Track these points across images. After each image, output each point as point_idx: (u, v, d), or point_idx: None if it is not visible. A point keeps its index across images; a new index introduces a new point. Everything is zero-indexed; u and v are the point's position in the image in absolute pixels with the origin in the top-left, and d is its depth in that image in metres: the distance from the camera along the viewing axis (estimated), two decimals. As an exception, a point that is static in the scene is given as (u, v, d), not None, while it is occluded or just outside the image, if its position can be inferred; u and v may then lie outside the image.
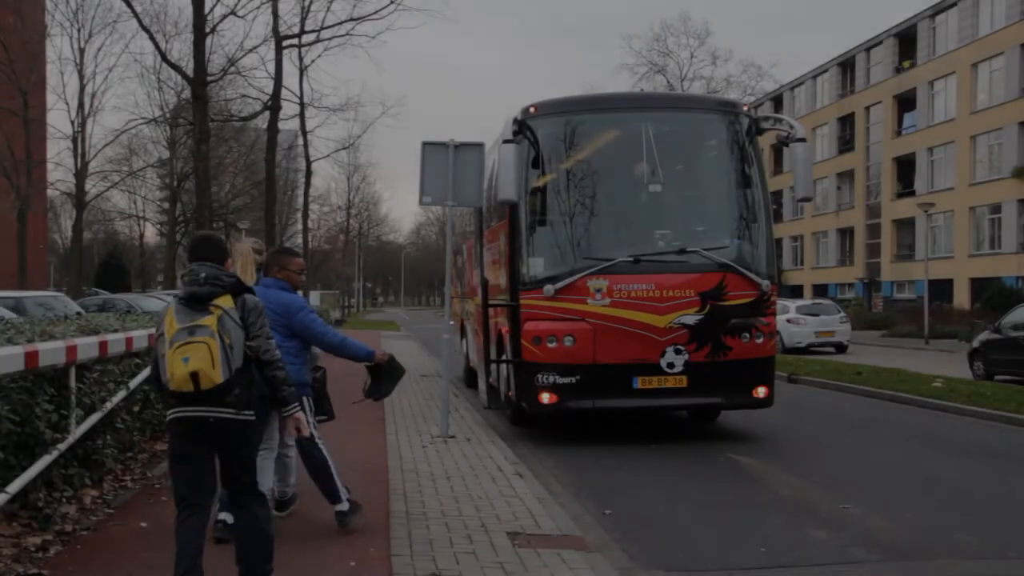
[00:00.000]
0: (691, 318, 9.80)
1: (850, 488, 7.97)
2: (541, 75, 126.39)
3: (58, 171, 40.45)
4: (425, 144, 10.53)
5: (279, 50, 26.34)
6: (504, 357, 10.88)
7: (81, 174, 37.02)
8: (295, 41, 28.02)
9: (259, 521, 4.54)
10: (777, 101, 57.88)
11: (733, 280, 9.97)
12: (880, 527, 6.68)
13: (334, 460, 6.00)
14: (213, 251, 4.51)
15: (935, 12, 43.74)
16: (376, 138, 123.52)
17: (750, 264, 10.22)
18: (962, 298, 40.06)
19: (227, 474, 4.47)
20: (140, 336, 7.51)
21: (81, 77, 37.00)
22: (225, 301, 4.33)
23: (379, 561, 5.30)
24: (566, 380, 9.76)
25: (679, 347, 9.79)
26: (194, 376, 4.13)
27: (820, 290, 51.91)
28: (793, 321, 27.26)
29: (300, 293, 6.38)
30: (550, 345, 9.79)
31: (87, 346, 6.24)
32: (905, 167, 46.38)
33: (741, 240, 10.53)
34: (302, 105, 31.71)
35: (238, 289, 4.45)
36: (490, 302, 11.13)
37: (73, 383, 6.08)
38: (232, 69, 26.67)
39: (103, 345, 6.56)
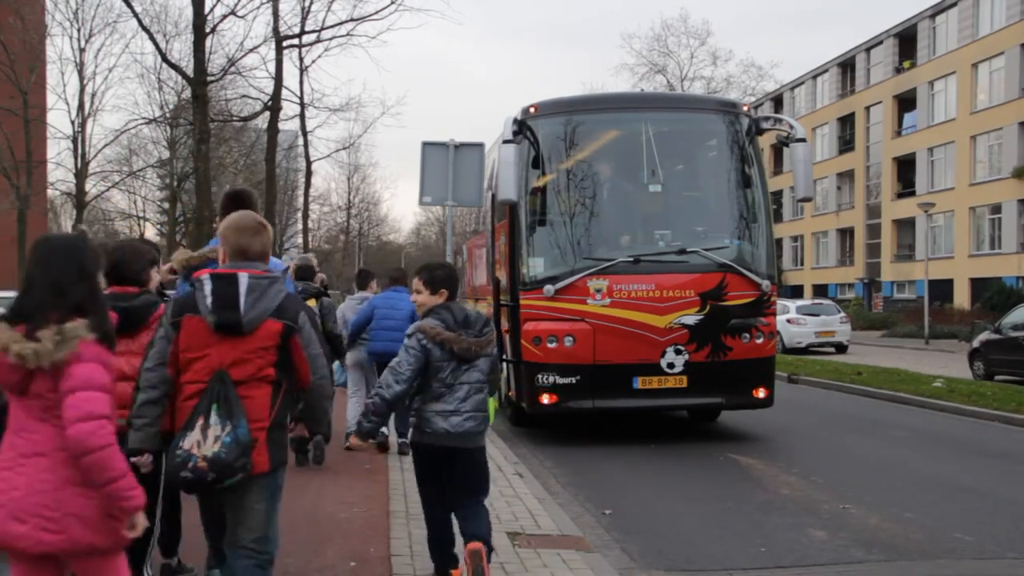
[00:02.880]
0: (691, 318, 9.80)
1: (850, 488, 7.98)
2: (541, 75, 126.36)
3: (58, 171, 40.37)
4: (425, 144, 10.54)
5: (279, 50, 26.32)
6: (504, 357, 10.89)
7: (81, 174, 37.02)
8: (295, 41, 28.00)
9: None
10: (777, 101, 57.84)
11: (733, 280, 9.98)
12: (880, 527, 6.69)
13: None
14: (310, 273, 8.59)
15: (935, 12, 43.70)
16: (376, 138, 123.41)
17: (750, 264, 10.22)
18: (962, 298, 40.04)
19: None
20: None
21: (81, 77, 37.00)
22: (312, 302, 7.52)
23: (379, 561, 5.30)
24: (566, 380, 9.76)
25: (679, 347, 9.79)
26: None
27: (820, 290, 51.88)
28: (793, 321, 27.27)
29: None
30: (550, 345, 9.79)
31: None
32: (905, 167, 46.36)
33: (741, 240, 10.53)
34: (302, 105, 31.69)
35: (320, 294, 7.96)
36: (499, 302, 11.15)
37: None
38: (232, 69, 26.61)
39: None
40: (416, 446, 4.86)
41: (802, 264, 56.06)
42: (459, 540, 4.86)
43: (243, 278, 3.55)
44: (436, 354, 4.61)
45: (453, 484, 4.78)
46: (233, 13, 23.42)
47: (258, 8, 25.83)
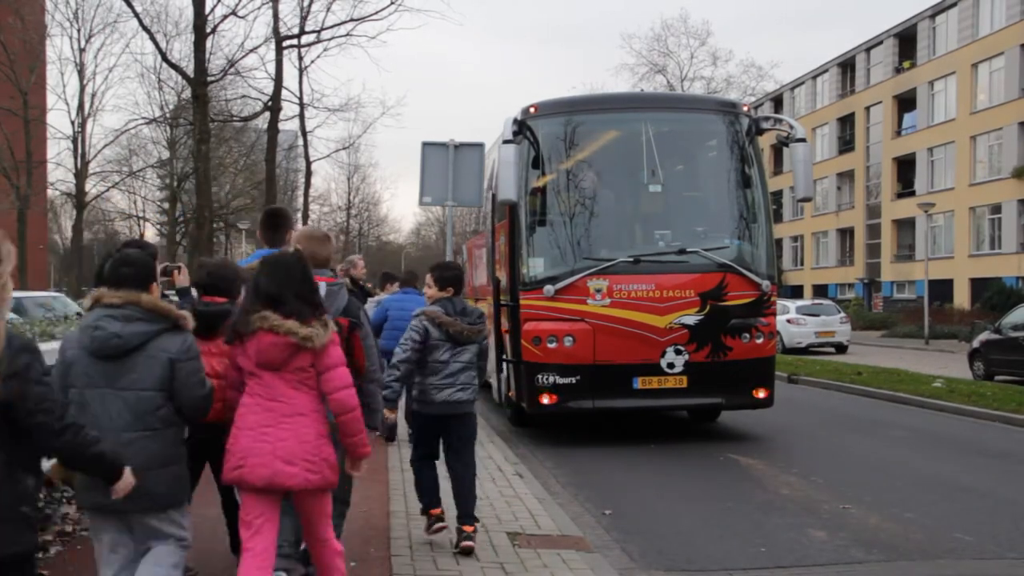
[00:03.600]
0: (691, 318, 9.80)
1: (850, 488, 7.98)
2: (541, 75, 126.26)
3: (58, 171, 40.45)
4: (425, 144, 10.54)
5: (279, 50, 26.34)
6: (504, 357, 10.89)
7: (81, 174, 37.07)
8: (295, 41, 28.00)
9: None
10: (777, 101, 57.80)
11: (733, 280, 9.98)
12: (880, 527, 6.69)
13: None
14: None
15: (935, 12, 43.68)
16: (376, 138, 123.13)
17: (750, 264, 10.22)
18: (962, 298, 40.03)
19: None
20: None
21: (81, 77, 37.08)
22: None
23: (379, 561, 5.30)
24: (566, 380, 9.76)
25: (679, 347, 9.79)
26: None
27: (820, 290, 51.85)
28: (793, 321, 27.27)
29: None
30: (550, 345, 9.79)
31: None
32: (905, 167, 46.34)
33: (741, 240, 10.53)
34: (302, 105, 31.67)
35: None
36: (499, 302, 11.15)
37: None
38: (232, 69, 26.64)
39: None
40: (418, 415, 5.85)
41: (802, 264, 56.05)
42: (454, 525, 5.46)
43: (322, 286, 4.30)
44: (435, 334, 5.57)
45: (448, 442, 5.77)
46: (234, 13, 23.49)
47: (258, 8, 25.87)
